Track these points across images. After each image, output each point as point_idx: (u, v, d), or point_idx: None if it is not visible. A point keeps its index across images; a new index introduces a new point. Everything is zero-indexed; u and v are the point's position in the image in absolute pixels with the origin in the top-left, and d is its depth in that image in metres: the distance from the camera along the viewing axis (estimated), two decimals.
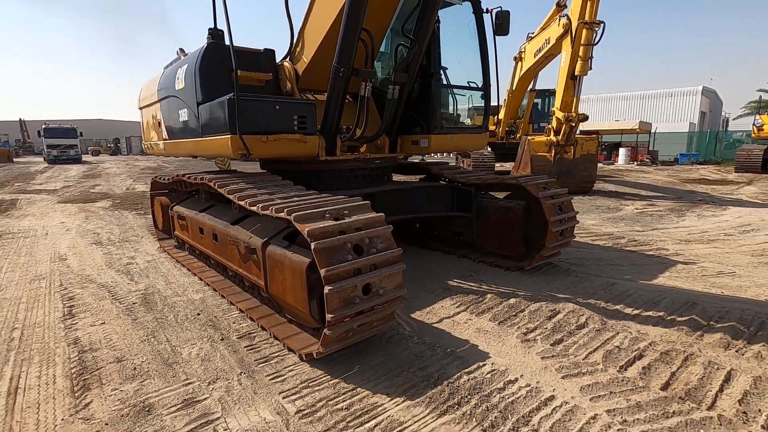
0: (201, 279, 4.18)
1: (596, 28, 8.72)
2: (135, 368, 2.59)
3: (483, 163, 14.25)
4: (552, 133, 10.14)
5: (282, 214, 2.59)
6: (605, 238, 5.80)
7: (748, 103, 41.33)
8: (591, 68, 9.14)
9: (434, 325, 3.15)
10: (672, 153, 26.55)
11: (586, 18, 8.71)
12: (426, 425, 2.04)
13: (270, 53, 4.30)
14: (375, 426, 2.03)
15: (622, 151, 23.96)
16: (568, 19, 9.22)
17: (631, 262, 4.68)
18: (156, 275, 4.43)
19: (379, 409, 2.16)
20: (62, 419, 2.12)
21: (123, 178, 17.10)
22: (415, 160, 5.57)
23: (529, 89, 14.76)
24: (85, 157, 37.37)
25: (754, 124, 18.93)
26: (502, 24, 4.75)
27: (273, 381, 2.43)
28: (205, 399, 2.27)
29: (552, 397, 2.22)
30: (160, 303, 3.65)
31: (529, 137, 10.68)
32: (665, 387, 2.30)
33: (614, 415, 2.06)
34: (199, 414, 2.14)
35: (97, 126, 68.73)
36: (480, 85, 4.93)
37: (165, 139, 4.80)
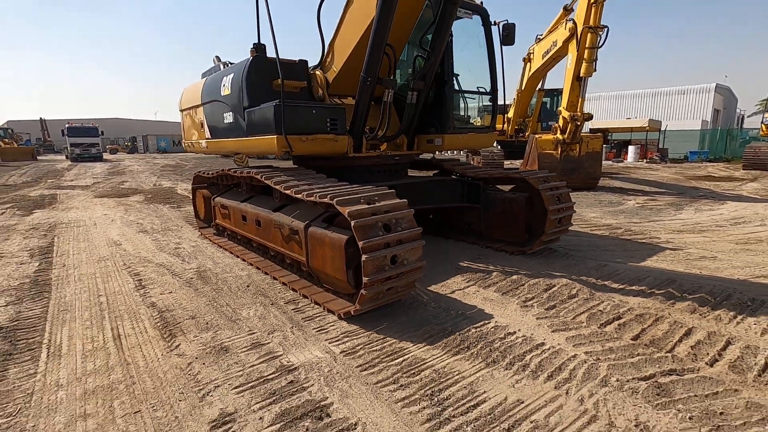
0: (243, 260, 4.82)
1: (600, 32, 9.19)
2: (207, 323, 3.22)
3: (492, 161, 14.76)
4: (558, 132, 10.62)
5: (326, 200, 3.20)
6: (603, 229, 6.32)
7: (761, 100, 41.01)
8: (595, 70, 9.60)
9: (447, 295, 3.74)
10: (683, 151, 26.65)
11: (591, 23, 9.18)
12: (442, 361, 2.62)
13: (304, 63, 4.91)
14: (403, 361, 2.63)
15: (631, 148, 24.19)
16: (574, 23, 9.69)
17: (624, 249, 5.20)
18: (203, 257, 5.08)
19: (405, 351, 2.76)
20: (161, 355, 2.76)
21: (147, 175, 17.92)
22: (427, 157, 6.12)
23: (537, 89, 15.20)
24: (104, 155, 38.44)
25: (762, 122, 19.10)
26: (508, 35, 5.30)
27: (319, 332, 3.04)
28: (268, 343, 2.89)
29: (542, 344, 2.80)
30: (213, 278, 4.30)
31: (537, 136, 11.16)
32: (635, 338, 2.86)
33: (590, 355, 2.63)
34: (265, 352, 2.76)
35: (114, 125, 70.45)
36: (488, 90, 5.50)
37: (207, 138, 5.46)
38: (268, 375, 2.49)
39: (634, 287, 3.84)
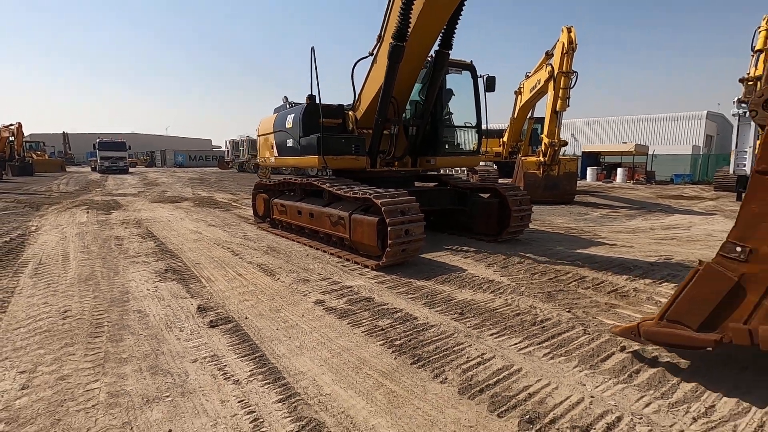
0: (297, 242, 6.83)
1: (572, 76, 11.35)
2: (290, 270, 5.22)
3: (488, 178, 16.82)
4: (541, 155, 12.70)
5: (366, 196, 5.23)
6: (563, 229, 8.29)
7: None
8: (569, 105, 11.75)
9: (437, 259, 5.72)
10: (672, 174, 28.61)
11: (564, 68, 11.36)
12: (434, 286, 4.58)
13: (341, 107, 7.05)
14: (411, 286, 4.59)
15: (620, 170, 26.23)
16: (552, 67, 11.88)
17: (571, 241, 7.17)
18: (267, 240, 7.10)
19: (412, 282, 4.72)
20: (271, 282, 4.74)
21: (180, 186, 20.10)
22: (432, 173, 8.16)
23: (528, 117, 17.35)
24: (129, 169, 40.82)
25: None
26: (489, 85, 7.41)
27: (360, 275, 5.02)
28: (331, 277, 4.87)
29: (492, 281, 4.76)
30: (281, 251, 6.30)
31: (523, 158, 13.25)
32: (548, 279, 4.82)
33: (518, 284, 4.60)
34: (331, 281, 4.74)
35: (129, 139, 73.71)
36: (474, 124, 7.59)
37: (276, 156, 7.59)
38: (336, 288, 4.48)
39: (564, 260, 5.80)
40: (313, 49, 6.09)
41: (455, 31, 6.04)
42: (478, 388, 2.57)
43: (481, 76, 7.52)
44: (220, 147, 77.74)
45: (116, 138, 37.34)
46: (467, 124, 7.56)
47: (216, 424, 2.23)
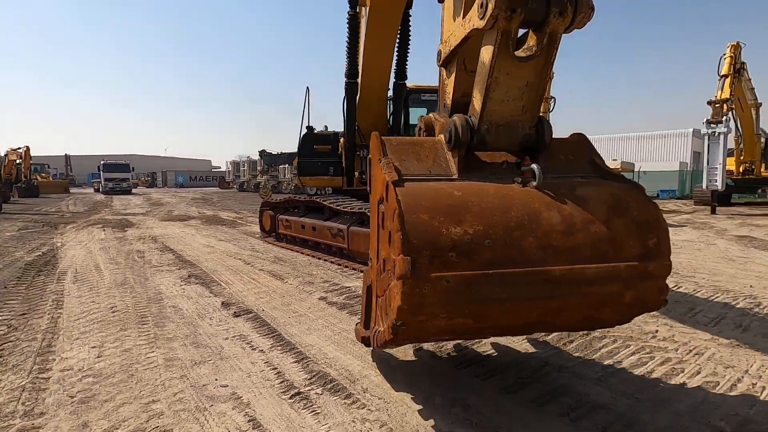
0: (301, 253, 7.65)
1: (550, 101, 12.42)
2: (297, 275, 6.03)
3: None
4: None
5: (361, 210, 6.10)
6: None
7: None
8: None
9: None
10: (658, 189, 29.72)
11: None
12: None
13: (336, 134, 8.03)
14: None
15: None
16: None
17: None
18: (274, 252, 7.91)
19: None
20: (280, 285, 5.55)
21: (184, 206, 20.93)
22: None
23: None
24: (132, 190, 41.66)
25: None
26: None
27: (357, 278, 5.83)
28: (332, 279, 5.68)
29: None
30: (286, 261, 7.12)
31: None
32: None
33: None
34: (332, 283, 5.55)
35: (130, 161, 74.92)
36: None
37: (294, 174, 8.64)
38: (336, 288, 5.29)
39: None
40: (308, 88, 7.19)
41: (406, 63, 7.04)
42: (446, 353, 3.38)
43: None
44: (220, 167, 79.09)
45: (118, 159, 38.37)
46: None
47: (249, 376, 3.02)
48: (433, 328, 2.09)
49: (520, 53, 2.01)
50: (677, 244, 8.67)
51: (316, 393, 2.77)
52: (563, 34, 2.01)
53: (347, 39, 6.54)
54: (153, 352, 3.44)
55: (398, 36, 6.50)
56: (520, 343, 3.55)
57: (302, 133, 7.90)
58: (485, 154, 2.35)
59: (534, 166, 2.11)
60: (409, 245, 1.85)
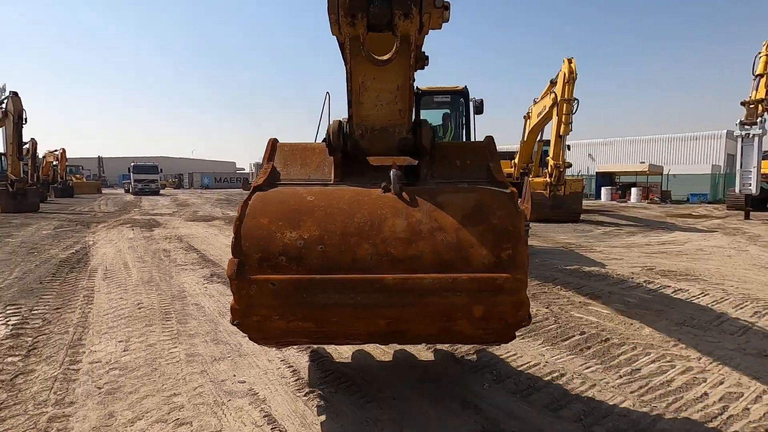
0: None
1: (573, 103, 12.19)
2: None
3: None
4: (547, 176, 13.44)
5: None
6: (563, 244, 8.99)
7: None
8: (572, 129, 12.54)
9: None
10: (689, 193, 28.68)
11: (566, 96, 12.21)
12: None
13: None
14: None
15: (634, 190, 26.56)
16: (555, 95, 12.75)
17: (566, 254, 7.87)
18: None
19: None
20: None
21: (209, 207, 21.46)
22: None
23: (537, 140, 18.14)
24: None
25: None
26: (479, 107, 8.20)
27: None
28: None
29: None
30: None
31: (530, 179, 14.02)
32: (540, 285, 5.57)
33: None
34: None
35: (159, 162, 77.36)
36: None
37: None
38: None
39: (554, 269, 6.53)
40: (327, 94, 7.22)
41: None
42: (460, 356, 3.38)
43: (472, 99, 8.24)
44: (243, 169, 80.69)
45: (147, 161, 39.74)
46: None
47: (266, 373, 3.11)
48: (276, 330, 2.14)
49: (382, 57, 1.92)
50: (706, 250, 8.38)
51: (329, 391, 2.83)
52: (423, 36, 1.95)
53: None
54: (176, 347, 3.57)
55: None
56: (531, 349, 3.52)
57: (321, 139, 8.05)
58: (378, 159, 2.35)
59: (392, 171, 2.11)
60: (239, 248, 1.96)
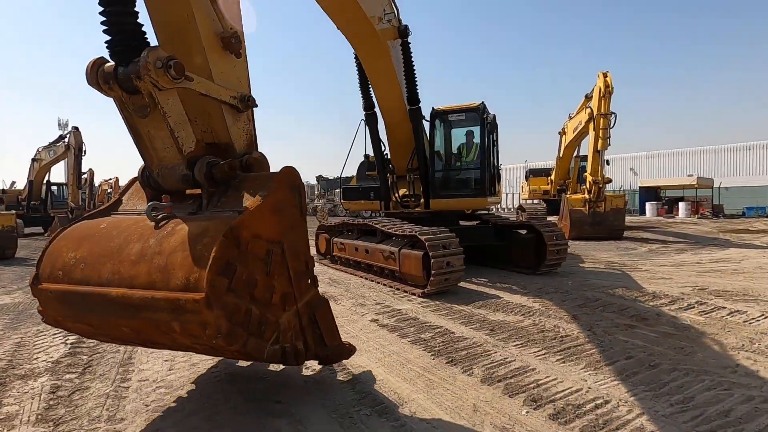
0: (354, 275, 7.83)
1: (610, 117, 11.86)
2: (350, 297, 6.18)
3: (536, 216, 17.13)
4: (586, 192, 13.03)
5: (412, 233, 6.17)
6: (604, 263, 8.62)
7: None
8: (610, 144, 12.16)
9: (477, 289, 6.42)
10: (744, 207, 26.86)
11: (603, 110, 11.92)
12: (472, 310, 5.32)
13: (389, 161, 8.26)
14: (452, 309, 5.35)
15: (681, 205, 25.17)
16: (591, 109, 12.47)
17: (609, 273, 7.54)
18: (328, 274, 8.16)
19: (453, 306, 5.48)
20: (335, 306, 5.72)
21: None
22: (482, 212, 8.74)
23: (573, 156, 17.70)
24: None
25: None
26: (491, 124, 8.12)
27: (407, 300, 5.86)
28: (384, 302, 5.76)
29: (524, 306, 5.39)
30: (340, 282, 7.32)
31: (568, 195, 13.62)
32: (582, 306, 5.36)
33: (550, 311, 5.20)
34: (384, 305, 5.62)
35: None
36: (475, 165, 8.12)
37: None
38: (387, 310, 5.36)
39: (596, 289, 6.26)
40: (362, 120, 7.75)
41: (416, 88, 7.26)
42: (497, 379, 3.30)
43: (486, 116, 8.08)
44: None
45: None
46: (463, 166, 8.29)
47: (303, 394, 3.15)
48: (69, 327, 2.82)
49: (142, 112, 2.38)
50: (765, 268, 7.80)
51: (365, 414, 2.83)
52: (168, 91, 2.32)
53: (358, 76, 7.65)
54: (216, 367, 3.69)
55: (403, 64, 7.03)
56: (573, 373, 3.38)
57: (358, 162, 8.67)
58: (190, 190, 2.67)
59: (148, 204, 2.45)
60: (38, 263, 2.58)
